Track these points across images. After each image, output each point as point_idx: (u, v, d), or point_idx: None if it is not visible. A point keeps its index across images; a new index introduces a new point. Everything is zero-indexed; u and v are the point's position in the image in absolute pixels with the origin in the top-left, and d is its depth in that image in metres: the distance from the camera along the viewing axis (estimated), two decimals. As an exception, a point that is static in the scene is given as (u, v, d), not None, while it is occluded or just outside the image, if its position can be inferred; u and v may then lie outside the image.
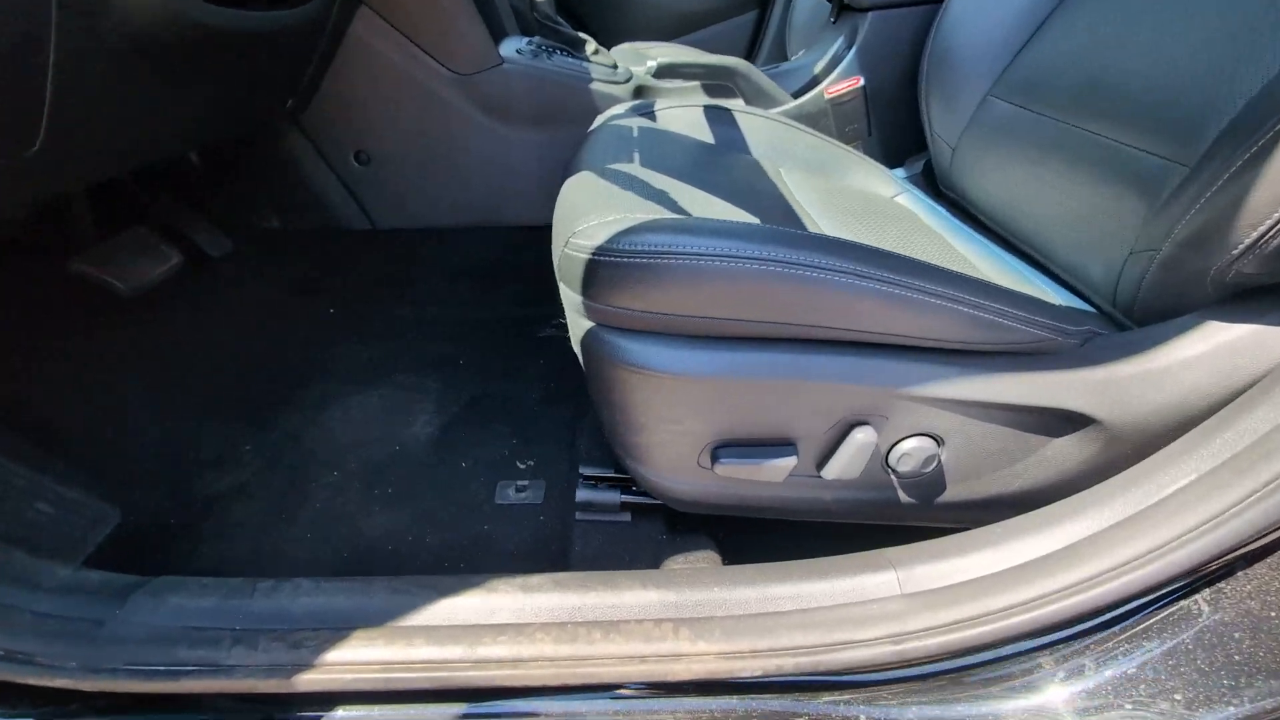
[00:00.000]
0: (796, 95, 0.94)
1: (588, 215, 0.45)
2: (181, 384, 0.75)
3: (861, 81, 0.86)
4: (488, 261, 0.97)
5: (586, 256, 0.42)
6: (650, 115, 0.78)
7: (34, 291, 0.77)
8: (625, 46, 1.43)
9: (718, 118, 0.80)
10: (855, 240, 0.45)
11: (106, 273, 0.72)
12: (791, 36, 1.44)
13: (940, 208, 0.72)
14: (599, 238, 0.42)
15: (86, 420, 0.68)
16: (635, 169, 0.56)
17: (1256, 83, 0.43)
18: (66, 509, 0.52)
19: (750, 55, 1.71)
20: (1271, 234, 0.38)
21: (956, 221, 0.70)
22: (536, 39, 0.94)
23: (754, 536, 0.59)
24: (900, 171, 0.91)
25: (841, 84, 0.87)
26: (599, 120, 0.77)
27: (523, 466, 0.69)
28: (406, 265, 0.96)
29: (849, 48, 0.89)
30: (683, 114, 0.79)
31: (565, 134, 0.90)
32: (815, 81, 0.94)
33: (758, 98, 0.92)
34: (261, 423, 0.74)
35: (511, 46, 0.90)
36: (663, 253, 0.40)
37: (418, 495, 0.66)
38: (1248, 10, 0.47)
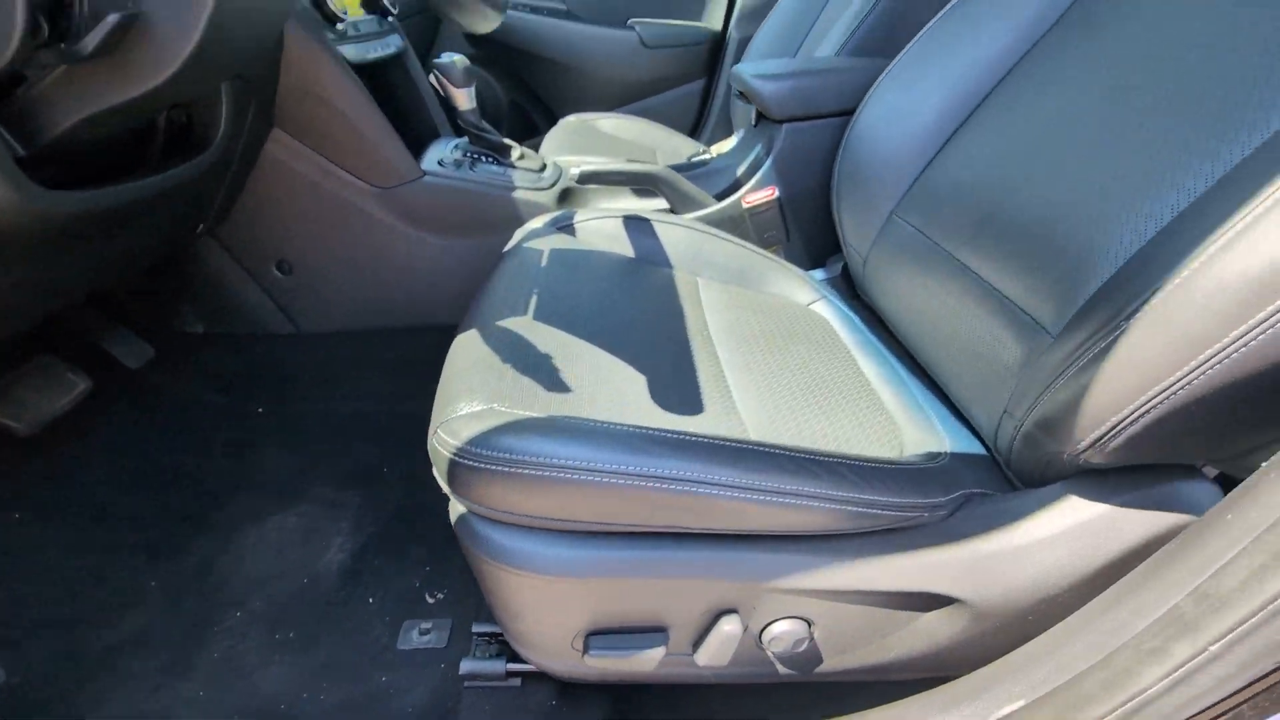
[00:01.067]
0: (720, 197, 0.96)
1: (458, 401, 0.45)
2: (90, 516, 0.73)
3: (776, 193, 0.89)
4: (413, 361, 0.97)
5: (449, 454, 0.42)
6: (569, 229, 0.79)
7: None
8: (572, 119, 1.46)
9: (637, 228, 0.81)
10: (736, 438, 0.45)
11: (1, 414, 0.70)
12: (735, 107, 1.48)
13: (855, 316, 0.74)
14: (462, 435, 0.42)
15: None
16: (527, 325, 0.56)
17: (1133, 244, 0.42)
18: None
19: (698, 121, 1.75)
20: (1113, 433, 0.38)
21: (868, 334, 0.71)
22: (463, 144, 0.95)
23: (655, 695, 0.59)
24: (820, 273, 0.94)
25: (758, 194, 0.90)
26: (516, 237, 0.78)
27: (432, 601, 0.68)
28: (332, 367, 0.96)
29: (767, 154, 0.92)
30: (602, 225, 0.80)
31: (489, 240, 0.91)
32: (737, 184, 0.96)
33: (681, 202, 0.94)
34: (172, 551, 0.72)
35: (434, 157, 0.92)
36: (520, 461, 0.40)
37: (320, 640, 0.65)
38: (1142, 147, 0.45)
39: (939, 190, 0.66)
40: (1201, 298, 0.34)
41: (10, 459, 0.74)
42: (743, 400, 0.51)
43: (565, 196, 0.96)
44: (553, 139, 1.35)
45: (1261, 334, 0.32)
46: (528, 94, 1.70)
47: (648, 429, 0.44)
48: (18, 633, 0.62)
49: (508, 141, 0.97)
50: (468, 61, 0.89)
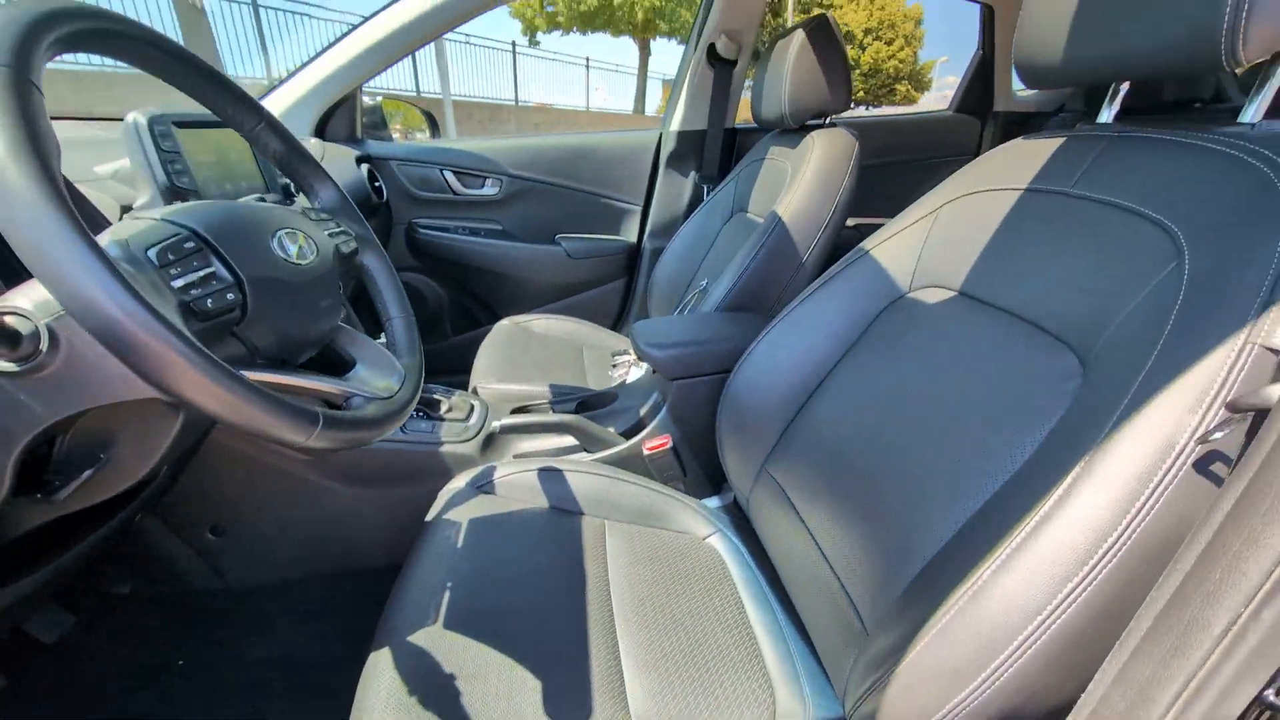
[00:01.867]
0: (626, 435, 1.10)
1: None
2: None
3: (670, 442, 1.04)
4: (338, 606, 1.02)
5: None
6: (489, 487, 0.89)
7: None
8: (506, 324, 1.61)
9: (551, 478, 0.92)
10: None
11: None
12: (652, 296, 1.68)
13: (743, 549, 0.84)
14: None
15: None
16: (435, 637, 0.64)
17: (936, 544, 0.49)
18: None
19: (621, 312, 1.97)
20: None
21: (755, 571, 0.81)
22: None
23: None
24: (715, 500, 1.07)
25: (655, 441, 1.04)
26: (440, 501, 0.87)
27: None
28: (256, 616, 0.99)
29: (663, 402, 1.08)
30: (519, 479, 0.91)
31: (418, 490, 1.00)
32: (641, 425, 1.11)
33: (591, 442, 1.07)
34: None
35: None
36: None
37: None
38: (949, 451, 0.54)
39: (794, 452, 0.79)
40: (1001, 595, 0.40)
41: None
42: (633, 685, 0.60)
43: (489, 442, 1.08)
44: (489, 346, 1.49)
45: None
46: (469, 295, 1.88)
47: None
48: None
49: (436, 396, 1.10)
50: None
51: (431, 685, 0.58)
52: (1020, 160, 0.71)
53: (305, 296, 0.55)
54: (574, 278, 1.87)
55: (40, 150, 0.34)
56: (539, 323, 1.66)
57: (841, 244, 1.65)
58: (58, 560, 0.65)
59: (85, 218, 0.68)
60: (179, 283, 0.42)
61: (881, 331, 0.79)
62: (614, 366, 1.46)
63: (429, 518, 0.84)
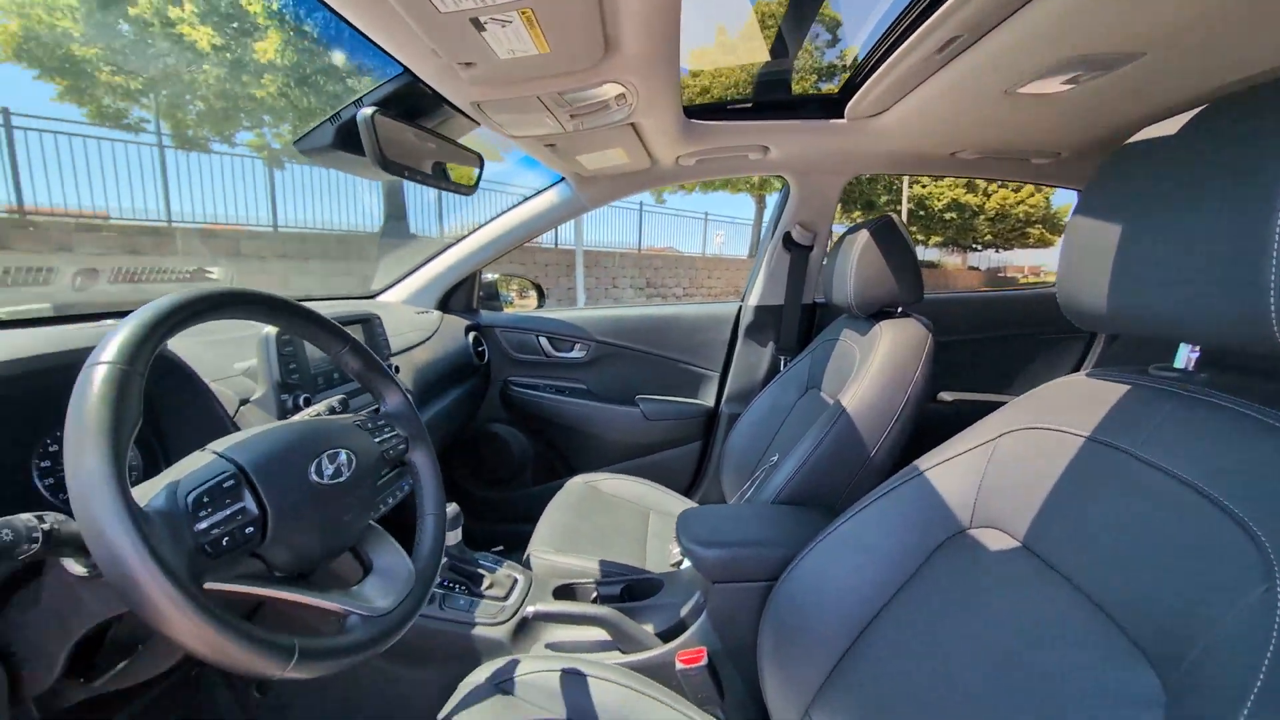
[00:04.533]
0: (663, 636, 1.02)
1: None
2: None
3: (706, 658, 0.94)
4: None
5: None
6: (509, 685, 0.85)
7: None
8: (579, 482, 1.63)
9: (574, 684, 0.86)
10: None
11: None
12: (727, 462, 1.63)
13: None
14: None
15: None
16: None
17: None
18: None
19: (696, 476, 1.93)
20: None
21: None
22: (445, 570, 1.11)
23: None
24: None
25: (690, 652, 0.95)
26: (458, 694, 0.84)
27: None
28: None
29: (704, 605, 1.00)
30: (539, 680, 0.86)
31: (445, 671, 0.99)
32: (680, 627, 1.03)
33: (624, 641, 1.01)
34: None
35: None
36: None
37: None
38: None
39: (848, 700, 0.69)
40: None
41: None
42: None
43: (522, 627, 1.06)
44: (556, 508, 1.51)
45: None
46: (551, 448, 1.97)
47: None
48: None
49: (481, 570, 1.12)
50: (458, 508, 1.09)
51: None
52: (1081, 401, 0.64)
53: (329, 513, 0.61)
54: (650, 438, 1.89)
55: (118, 435, 0.44)
56: (609, 483, 1.67)
57: (935, 419, 1.54)
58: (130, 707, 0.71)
59: (204, 415, 0.84)
60: (204, 524, 0.50)
61: (942, 571, 0.70)
62: (677, 539, 1.41)
63: (441, 716, 0.82)
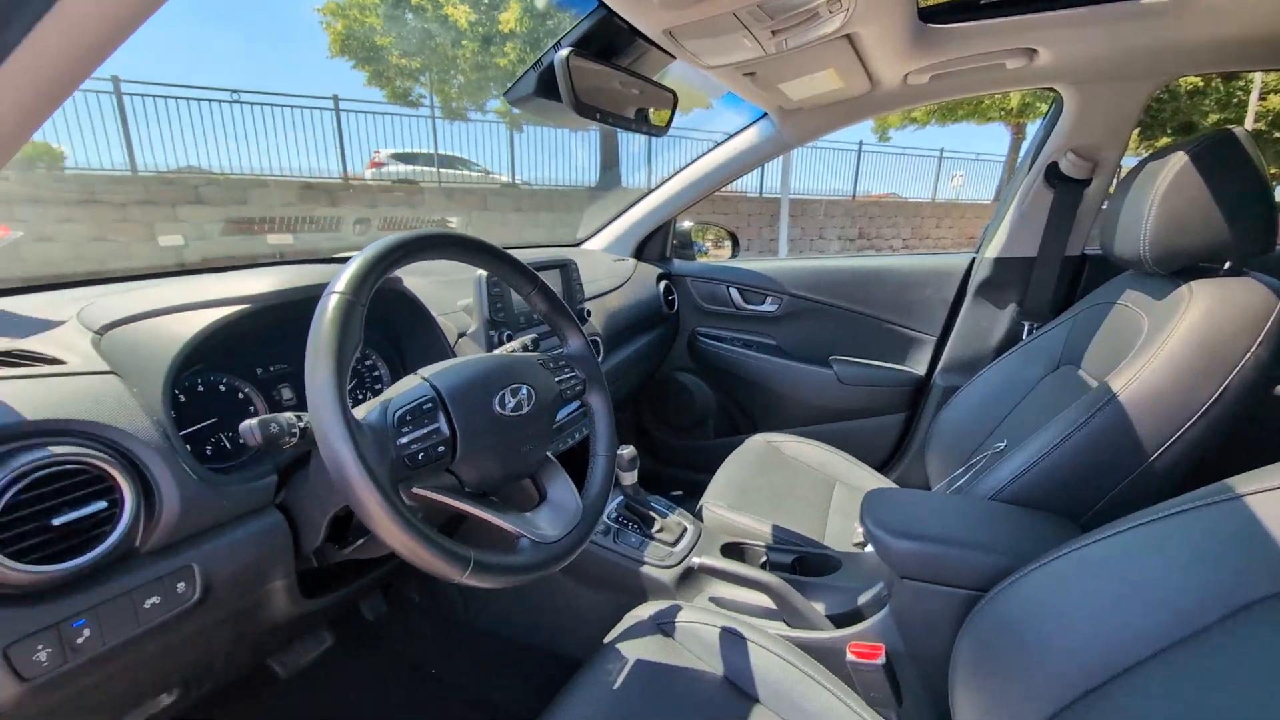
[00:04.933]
0: (835, 621, 0.94)
1: None
2: None
3: (883, 657, 0.83)
4: (527, 679, 1.15)
5: None
6: (669, 628, 0.87)
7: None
8: (760, 441, 1.58)
9: (734, 644, 0.84)
10: None
11: (275, 660, 1.08)
12: (935, 442, 1.42)
13: None
14: None
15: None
16: None
17: None
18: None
19: (895, 451, 1.72)
20: None
21: None
22: (619, 507, 1.16)
23: None
24: None
25: (865, 646, 0.85)
26: (620, 626, 0.89)
27: None
28: (480, 657, 1.18)
29: (886, 598, 0.88)
30: (699, 631, 0.86)
31: (612, 597, 1.05)
32: (855, 616, 0.93)
33: (791, 615, 0.95)
34: None
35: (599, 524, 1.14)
36: None
37: None
38: None
39: None
40: None
41: (276, 697, 1.10)
42: None
43: (686, 576, 1.06)
44: (734, 462, 1.48)
45: None
46: (735, 403, 1.93)
47: None
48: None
49: (653, 514, 1.14)
50: (635, 452, 1.12)
51: None
52: None
53: (509, 442, 0.66)
54: (843, 404, 1.73)
55: (341, 356, 0.51)
56: (792, 445, 1.57)
57: (1271, 424, 1.13)
58: (372, 573, 0.90)
59: (430, 343, 0.97)
60: (405, 439, 0.56)
61: (1258, 640, 0.49)
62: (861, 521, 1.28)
63: (607, 639, 0.87)
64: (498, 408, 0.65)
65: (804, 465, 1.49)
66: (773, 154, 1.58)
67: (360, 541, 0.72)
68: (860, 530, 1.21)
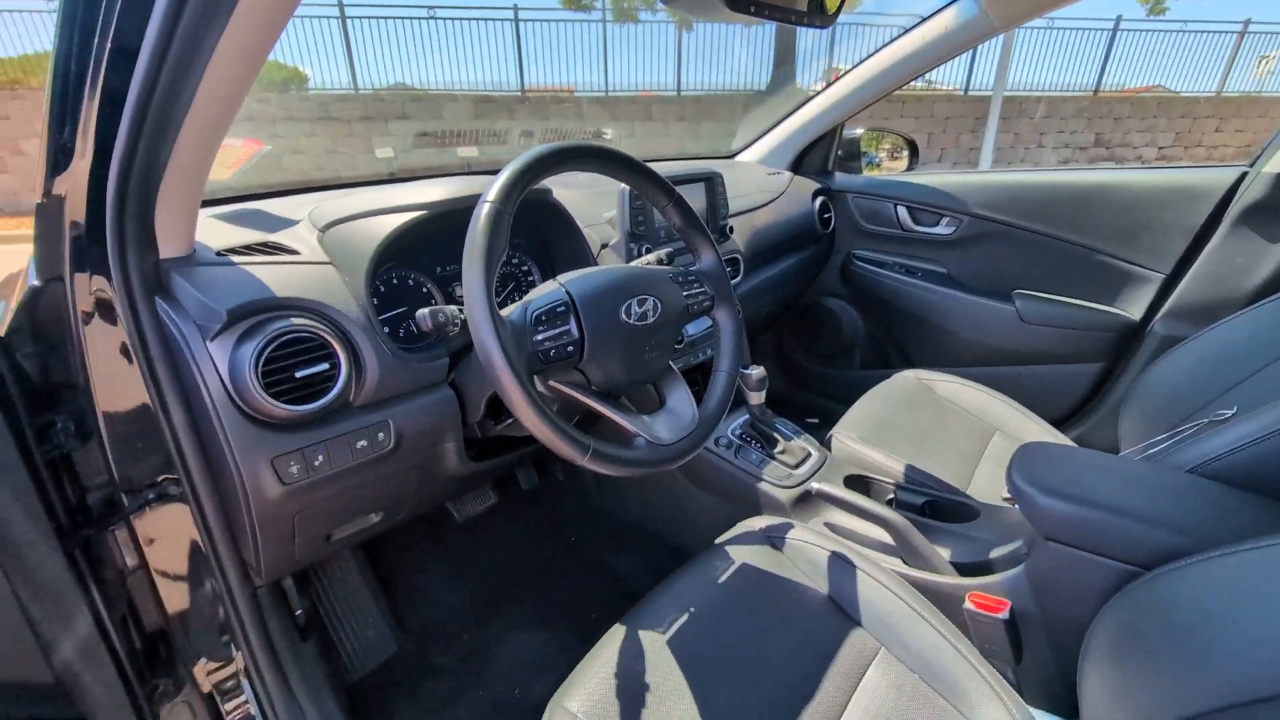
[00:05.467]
0: (960, 569, 0.89)
1: (575, 692, 0.67)
2: (485, 579, 1.30)
3: (1006, 613, 0.78)
4: (645, 564, 1.29)
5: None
6: (779, 542, 0.91)
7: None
8: (910, 378, 1.48)
9: (842, 569, 0.86)
10: None
11: (452, 506, 1.34)
12: (1137, 399, 1.22)
13: None
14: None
15: (416, 589, 1.27)
16: (656, 645, 0.73)
17: None
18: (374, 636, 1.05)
19: (1078, 410, 1.49)
20: None
21: None
22: (743, 425, 1.18)
23: None
24: None
25: (985, 600, 0.81)
26: (732, 532, 0.95)
27: None
28: (610, 539, 1.35)
29: (1024, 556, 0.82)
30: (809, 551, 0.89)
31: (727, 508, 1.11)
32: (983, 568, 0.88)
33: (910, 555, 0.92)
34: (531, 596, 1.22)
35: (723, 428, 1.17)
36: None
37: None
38: None
39: None
40: None
41: (451, 535, 1.37)
42: None
43: (805, 498, 1.07)
44: (875, 396, 1.41)
45: None
46: (888, 335, 1.79)
47: None
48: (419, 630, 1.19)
49: (776, 435, 1.15)
50: (764, 372, 1.11)
51: (630, 681, 0.68)
52: None
53: (633, 349, 0.71)
54: (1023, 345, 1.51)
55: (490, 259, 0.58)
56: (949, 386, 1.43)
57: None
58: (521, 449, 1.06)
59: (575, 252, 1.04)
60: (540, 337, 0.63)
61: None
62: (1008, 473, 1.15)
63: (717, 541, 0.93)
64: (624, 316, 0.69)
65: (959, 409, 1.36)
66: (971, 41, 1.32)
67: (509, 420, 0.85)
68: None
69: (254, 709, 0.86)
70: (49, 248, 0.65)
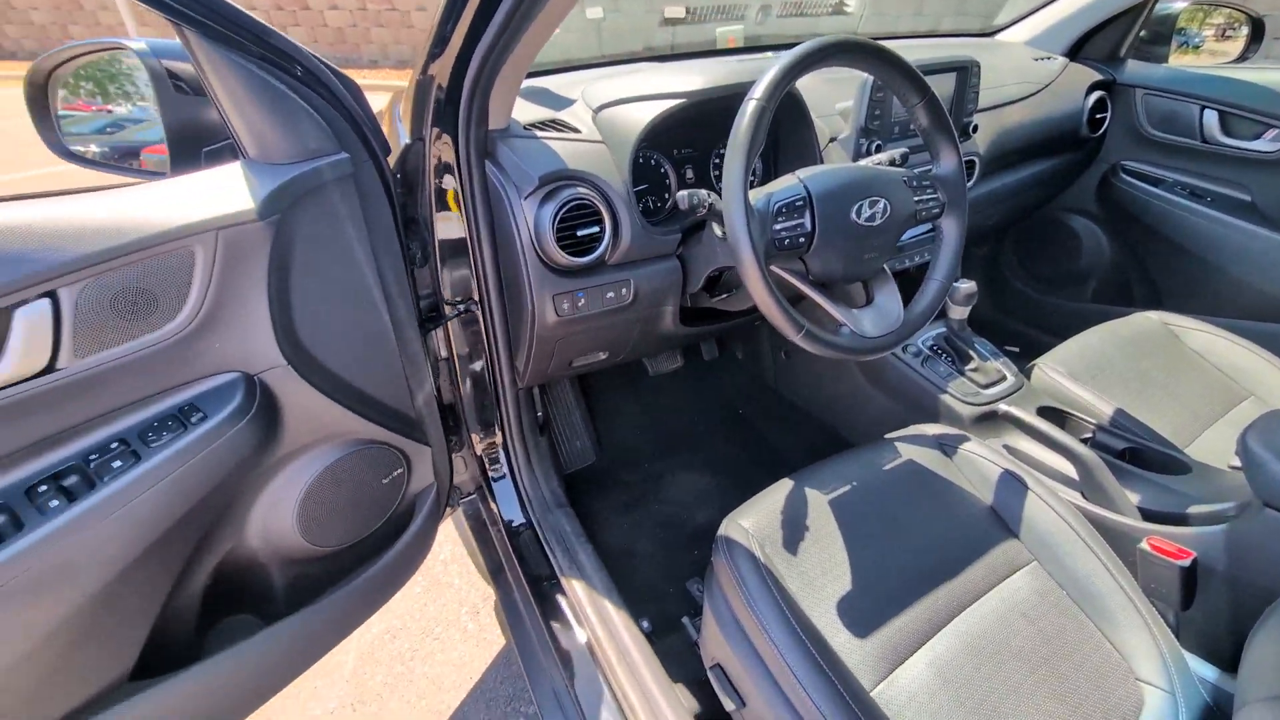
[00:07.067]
0: (1146, 515, 0.88)
1: (749, 512, 0.86)
2: (666, 426, 1.56)
3: (1189, 561, 0.77)
4: (817, 446, 1.41)
5: (723, 534, 0.86)
6: (950, 451, 0.97)
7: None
8: (1153, 319, 1.32)
9: (1011, 488, 0.90)
10: None
11: (648, 362, 1.57)
12: None
13: None
14: (735, 534, 0.85)
15: (613, 421, 1.56)
16: (823, 507, 0.88)
17: None
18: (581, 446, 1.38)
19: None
20: None
21: None
22: (937, 338, 1.18)
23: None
24: (1209, 670, 0.79)
25: (1170, 546, 0.80)
26: (905, 430, 1.01)
27: None
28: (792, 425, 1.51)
29: (1228, 518, 0.78)
30: (980, 466, 0.93)
31: (904, 411, 1.16)
32: (1180, 519, 0.85)
33: (1095, 493, 0.92)
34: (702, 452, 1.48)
35: (917, 338, 1.19)
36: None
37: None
38: None
39: None
40: None
41: (643, 385, 1.62)
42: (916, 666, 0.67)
43: (988, 418, 1.08)
44: (1106, 333, 1.27)
45: None
46: (1140, 265, 1.55)
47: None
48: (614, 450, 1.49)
49: (973, 353, 1.14)
50: (974, 287, 1.08)
51: (793, 519, 0.83)
52: None
53: (855, 248, 0.77)
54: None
55: (750, 152, 0.67)
56: (1202, 337, 1.24)
57: None
58: (720, 324, 1.21)
59: (804, 143, 1.06)
60: (777, 226, 0.72)
61: None
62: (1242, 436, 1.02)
63: (888, 436, 1.01)
64: (854, 216, 0.75)
65: (1208, 364, 1.19)
66: None
67: (724, 296, 0.98)
68: None
69: (505, 470, 1.21)
70: (418, 115, 0.88)
